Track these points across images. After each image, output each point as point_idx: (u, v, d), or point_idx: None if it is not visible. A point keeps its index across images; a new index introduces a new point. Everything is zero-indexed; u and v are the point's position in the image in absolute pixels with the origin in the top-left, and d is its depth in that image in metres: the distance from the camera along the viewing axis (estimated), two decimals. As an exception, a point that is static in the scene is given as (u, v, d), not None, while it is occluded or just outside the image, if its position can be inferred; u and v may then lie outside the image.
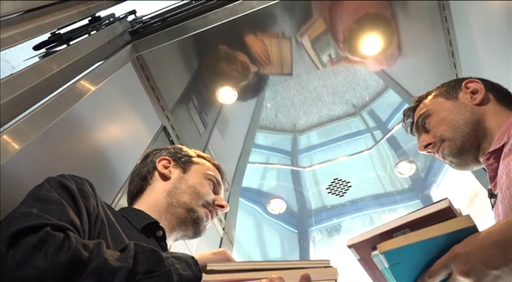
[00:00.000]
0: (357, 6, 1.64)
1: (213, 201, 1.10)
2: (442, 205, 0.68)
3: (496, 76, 1.13)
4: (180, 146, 1.22)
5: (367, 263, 0.73)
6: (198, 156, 1.19)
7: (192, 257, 0.76)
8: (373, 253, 0.70)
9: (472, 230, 0.67)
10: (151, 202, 1.05)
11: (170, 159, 1.14)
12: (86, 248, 0.64)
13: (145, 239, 0.94)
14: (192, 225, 1.05)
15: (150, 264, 0.67)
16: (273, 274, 0.69)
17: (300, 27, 1.71)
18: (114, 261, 0.64)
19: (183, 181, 1.09)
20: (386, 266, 0.69)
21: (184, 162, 1.14)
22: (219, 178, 1.17)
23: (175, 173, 1.11)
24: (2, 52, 1.02)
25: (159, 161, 1.12)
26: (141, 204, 1.06)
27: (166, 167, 1.12)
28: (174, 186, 1.07)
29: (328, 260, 0.74)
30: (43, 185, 0.79)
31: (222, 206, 1.11)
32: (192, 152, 1.20)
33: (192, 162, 1.14)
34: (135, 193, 1.11)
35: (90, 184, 0.87)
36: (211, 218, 1.10)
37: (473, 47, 1.55)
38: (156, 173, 1.11)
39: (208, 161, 1.19)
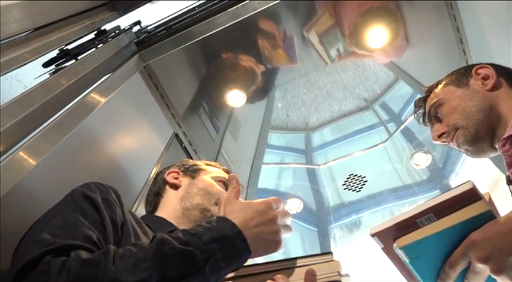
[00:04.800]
0: (360, 1, 1.63)
1: None
2: (465, 187, 0.66)
3: (506, 60, 1.11)
4: (187, 159, 1.24)
5: (392, 252, 0.71)
6: (206, 164, 1.21)
7: (238, 231, 0.67)
8: (394, 245, 0.69)
9: (489, 215, 0.65)
10: (167, 210, 1.08)
11: (178, 170, 1.17)
12: (91, 264, 0.60)
13: None
14: None
15: (181, 268, 0.61)
16: (278, 275, 0.69)
17: (305, 24, 1.70)
18: (128, 276, 0.59)
19: (193, 186, 1.11)
20: (407, 260, 0.69)
21: (192, 171, 1.16)
22: None
23: (184, 181, 1.13)
24: (14, 72, 1.04)
25: (168, 174, 1.15)
26: (159, 215, 1.08)
27: (175, 178, 1.14)
28: (186, 192, 1.10)
29: (331, 254, 0.73)
30: (64, 200, 0.79)
31: None
32: (199, 162, 1.22)
33: (200, 169, 1.17)
34: (151, 210, 1.13)
35: (115, 191, 0.86)
36: None
37: (481, 32, 1.52)
38: (167, 186, 1.13)
39: (217, 167, 1.21)
